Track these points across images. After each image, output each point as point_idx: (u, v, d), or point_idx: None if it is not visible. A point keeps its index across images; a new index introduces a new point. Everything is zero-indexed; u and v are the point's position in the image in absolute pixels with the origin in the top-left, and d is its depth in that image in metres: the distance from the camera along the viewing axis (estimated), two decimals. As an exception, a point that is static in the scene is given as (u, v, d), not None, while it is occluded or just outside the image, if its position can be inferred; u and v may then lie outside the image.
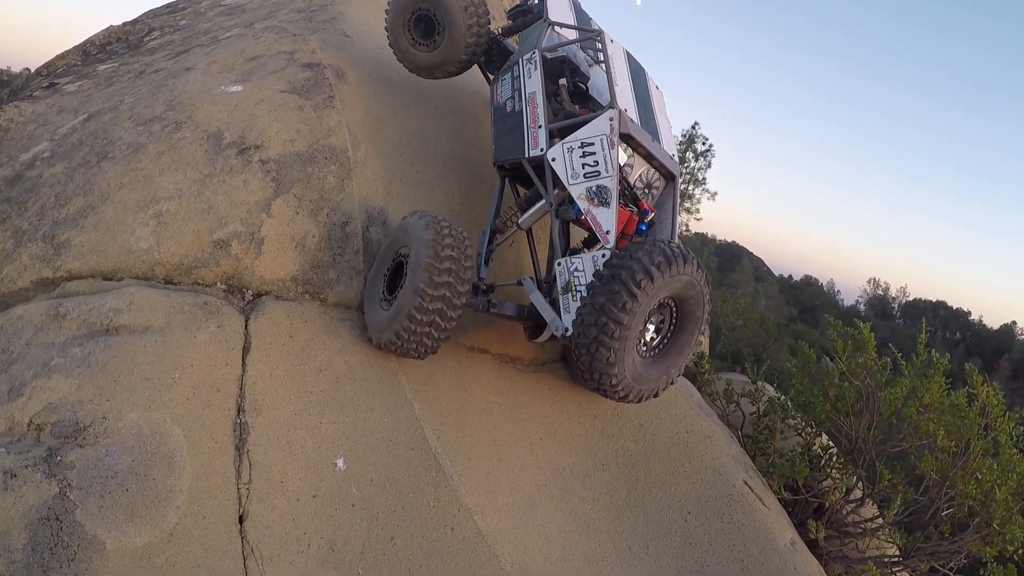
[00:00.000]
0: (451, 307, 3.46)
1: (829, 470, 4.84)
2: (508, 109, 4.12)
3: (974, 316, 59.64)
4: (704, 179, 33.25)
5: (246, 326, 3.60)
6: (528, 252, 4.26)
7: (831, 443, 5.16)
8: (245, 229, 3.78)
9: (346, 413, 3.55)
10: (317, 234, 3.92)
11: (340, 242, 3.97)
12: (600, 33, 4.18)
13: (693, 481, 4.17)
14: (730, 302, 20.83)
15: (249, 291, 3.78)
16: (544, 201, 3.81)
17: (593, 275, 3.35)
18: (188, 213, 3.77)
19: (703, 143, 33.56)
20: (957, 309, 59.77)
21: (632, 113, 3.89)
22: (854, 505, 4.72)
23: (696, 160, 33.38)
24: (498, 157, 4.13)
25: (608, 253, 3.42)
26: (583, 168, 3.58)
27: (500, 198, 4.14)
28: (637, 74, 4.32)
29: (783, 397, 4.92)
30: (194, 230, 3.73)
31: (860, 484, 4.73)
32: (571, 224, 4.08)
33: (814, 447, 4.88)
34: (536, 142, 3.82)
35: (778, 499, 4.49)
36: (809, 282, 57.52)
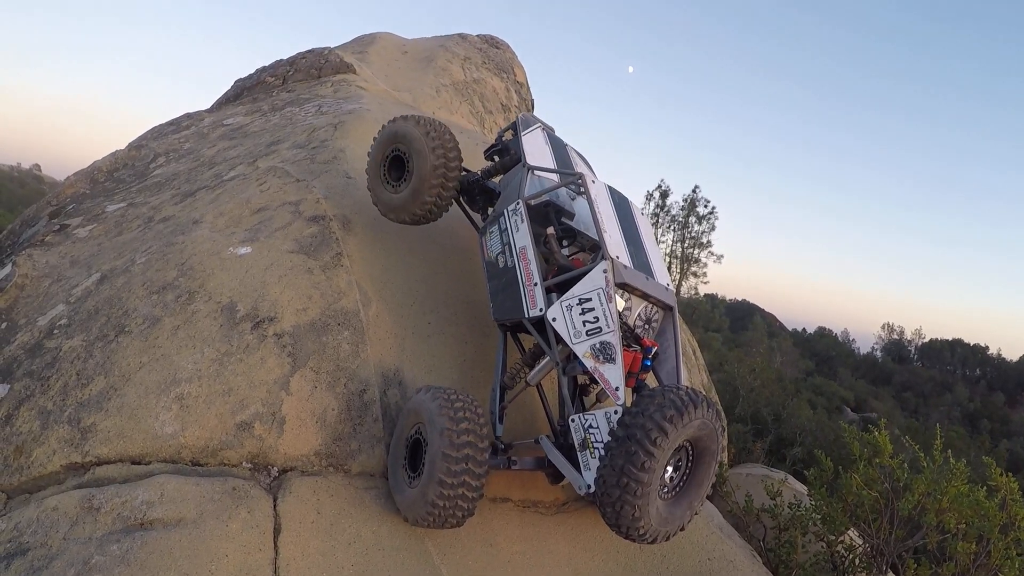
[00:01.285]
0: (477, 464, 3.54)
1: (855, 572, 4.89)
2: (500, 265, 4.18)
3: (992, 351, 59.88)
4: (709, 242, 34.14)
5: (275, 507, 3.68)
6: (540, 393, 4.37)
7: (857, 535, 5.21)
8: (266, 409, 3.87)
9: (377, 586, 3.62)
10: (336, 407, 4.02)
11: (359, 411, 4.07)
12: (581, 176, 4.19)
13: (720, 612, 4.23)
14: (746, 362, 20.78)
15: (275, 468, 3.87)
16: (549, 358, 3.88)
17: (608, 434, 3.39)
18: (209, 396, 3.87)
19: (704, 206, 34.52)
20: (975, 345, 59.82)
21: (624, 257, 3.93)
22: (881, 610, 4.76)
23: (699, 224, 33.84)
24: (498, 317, 4.20)
25: (620, 410, 3.46)
26: (584, 325, 3.61)
27: (505, 353, 4.20)
28: (622, 208, 4.37)
29: (803, 505, 4.98)
30: (217, 413, 3.83)
31: (885, 588, 4.78)
32: None
33: (837, 550, 4.93)
34: (534, 302, 3.88)
35: (805, 615, 4.54)
36: (823, 333, 57.87)
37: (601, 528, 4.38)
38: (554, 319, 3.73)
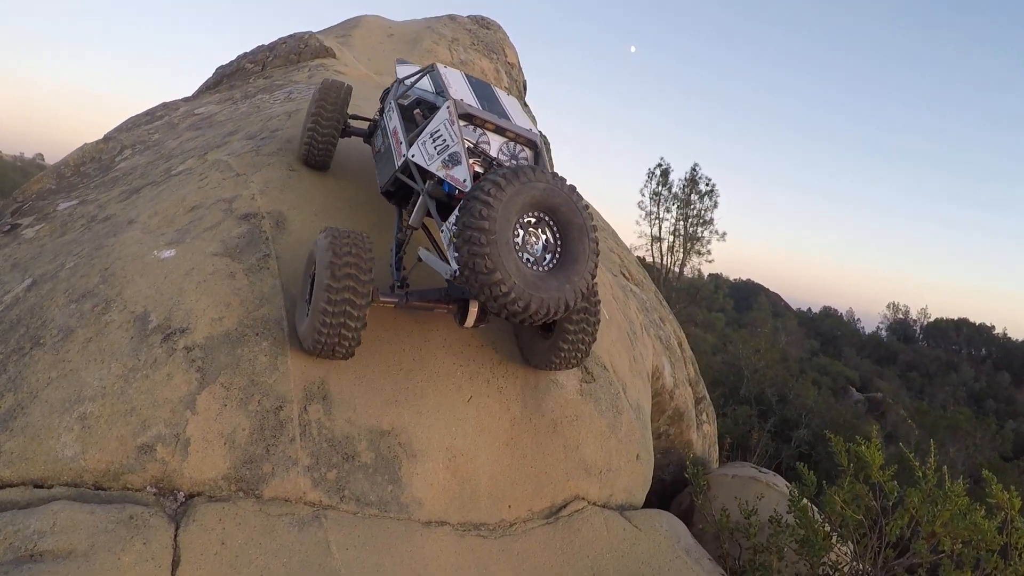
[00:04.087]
0: (358, 295, 3.68)
1: (839, 595, 4.45)
2: (381, 150, 4.88)
3: (998, 330, 59.29)
4: (712, 219, 32.67)
5: (175, 537, 3.38)
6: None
7: (841, 546, 4.77)
8: (169, 431, 3.56)
9: (285, 624, 3.30)
10: (248, 426, 3.68)
11: (274, 431, 3.73)
12: (433, 65, 4.77)
13: (680, 647, 3.84)
14: (750, 343, 20.81)
15: (181, 492, 3.56)
16: (421, 196, 4.19)
17: (457, 211, 3.60)
18: (112, 415, 3.57)
19: (706, 184, 33.00)
20: (980, 324, 59.20)
21: (471, 101, 4.36)
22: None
23: (701, 200, 32.75)
24: (381, 183, 4.74)
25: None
26: (435, 149, 4.07)
27: (399, 220, 4.57)
28: (481, 86, 4.78)
29: (784, 521, 4.55)
30: (118, 435, 3.53)
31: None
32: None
33: (822, 571, 4.49)
34: (400, 153, 4.43)
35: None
36: (828, 313, 57.96)
37: (552, 553, 4.01)
38: (413, 155, 4.23)
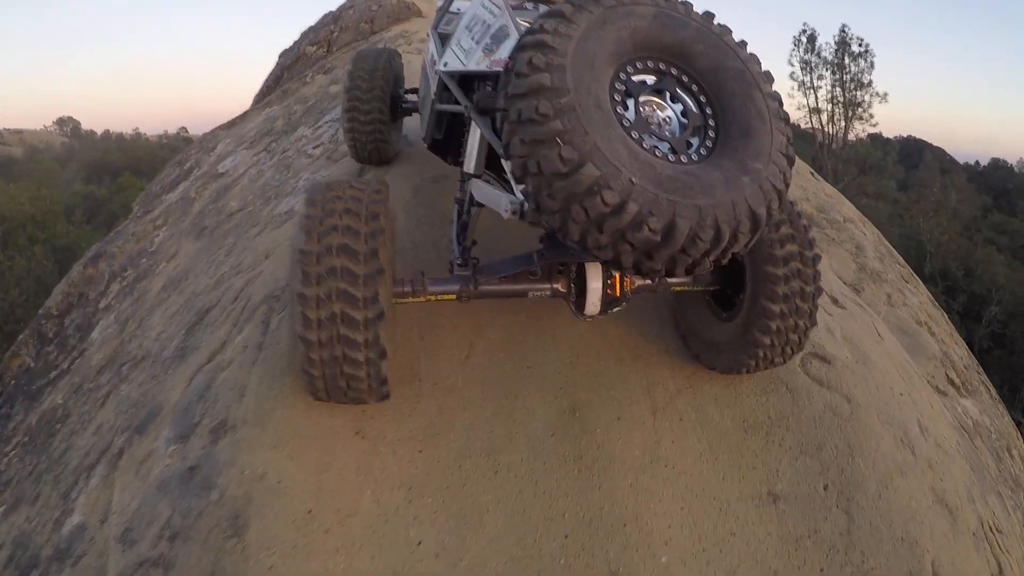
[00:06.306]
0: (358, 305, 2.23)
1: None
2: (421, 95, 3.94)
3: None
4: (870, 81, 30.58)
5: None
6: None
7: None
8: None
9: None
10: None
11: None
12: None
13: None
14: (918, 205, 20.75)
15: None
16: (470, 136, 2.85)
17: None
18: None
19: (859, 44, 30.70)
20: None
21: None
22: None
23: (855, 63, 30.57)
24: (424, 131, 3.61)
25: None
26: (473, 39, 2.80)
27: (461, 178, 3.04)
28: None
29: None
30: None
31: None
32: None
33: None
34: (434, 76, 3.36)
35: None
36: (998, 165, 52.28)
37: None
38: (447, 64, 3.08)
